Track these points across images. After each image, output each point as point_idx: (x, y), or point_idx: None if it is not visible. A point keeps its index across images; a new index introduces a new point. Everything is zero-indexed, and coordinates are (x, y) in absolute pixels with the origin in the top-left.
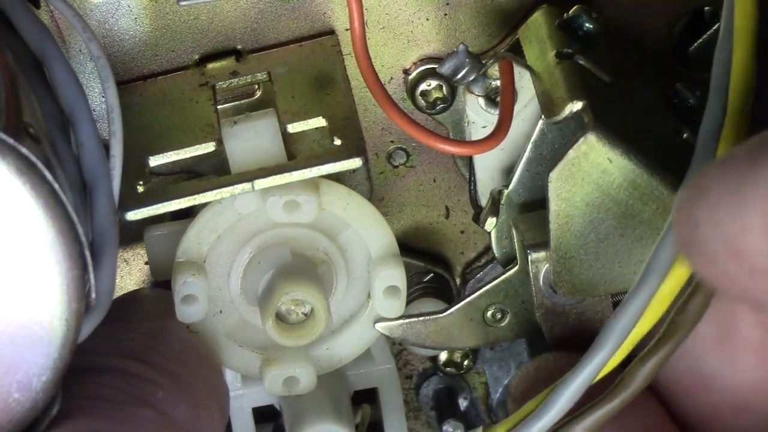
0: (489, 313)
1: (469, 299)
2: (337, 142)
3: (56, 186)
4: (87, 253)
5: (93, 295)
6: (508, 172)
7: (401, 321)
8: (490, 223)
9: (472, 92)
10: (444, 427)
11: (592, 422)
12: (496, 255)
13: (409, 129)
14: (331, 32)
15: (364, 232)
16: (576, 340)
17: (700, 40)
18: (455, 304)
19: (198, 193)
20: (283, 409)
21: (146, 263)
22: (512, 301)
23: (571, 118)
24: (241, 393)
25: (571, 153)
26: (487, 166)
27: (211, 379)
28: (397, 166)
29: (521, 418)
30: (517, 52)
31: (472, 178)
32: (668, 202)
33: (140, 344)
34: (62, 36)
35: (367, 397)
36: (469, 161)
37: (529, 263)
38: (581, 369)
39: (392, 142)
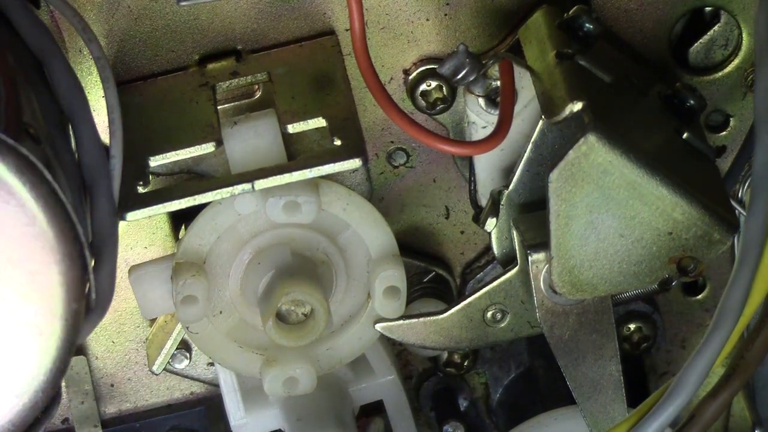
0: (489, 314)
1: (469, 300)
2: (337, 142)
3: (56, 186)
4: (87, 253)
5: (93, 295)
6: (508, 172)
7: (401, 321)
8: (490, 223)
9: (472, 92)
10: (444, 428)
11: None
12: (496, 255)
13: (409, 129)
14: (331, 32)
15: (364, 233)
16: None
17: (700, 40)
18: (455, 305)
19: (198, 193)
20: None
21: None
22: (512, 301)
23: (571, 118)
24: (245, 422)
25: (571, 153)
26: (487, 166)
27: None
28: (397, 167)
29: (647, 408)
30: (517, 52)
31: (472, 178)
32: (668, 202)
33: None
34: (62, 36)
35: (378, 409)
36: (469, 161)
37: (530, 264)
38: (703, 352)
39: (392, 142)
